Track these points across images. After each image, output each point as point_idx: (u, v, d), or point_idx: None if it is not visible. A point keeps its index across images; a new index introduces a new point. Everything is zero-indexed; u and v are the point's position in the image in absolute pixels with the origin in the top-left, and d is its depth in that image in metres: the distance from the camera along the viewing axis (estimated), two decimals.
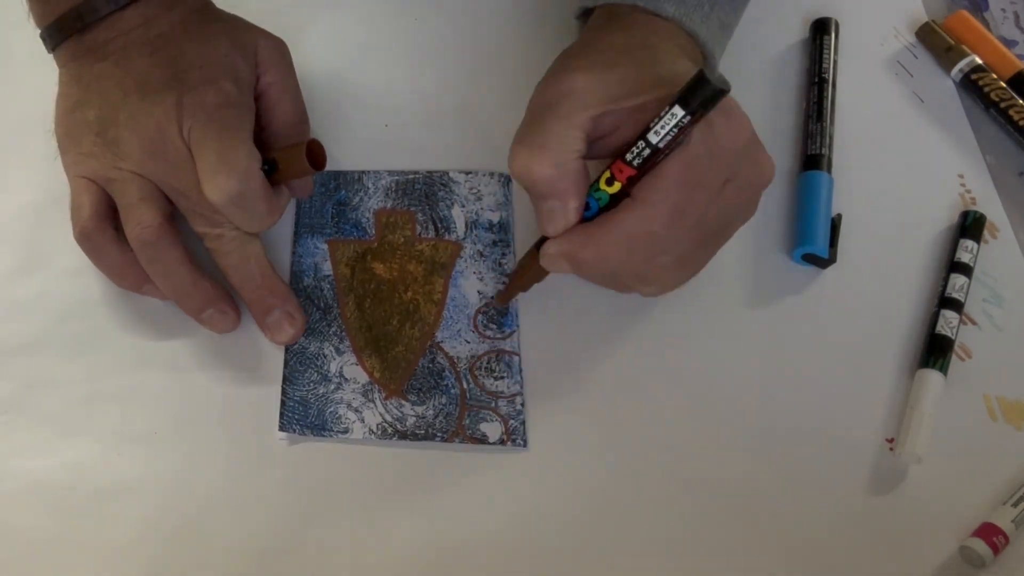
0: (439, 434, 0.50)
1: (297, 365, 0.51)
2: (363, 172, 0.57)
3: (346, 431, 0.49)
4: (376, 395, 0.51)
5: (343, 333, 0.52)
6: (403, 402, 0.50)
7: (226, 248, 0.51)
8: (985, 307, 0.55)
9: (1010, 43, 0.66)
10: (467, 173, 0.57)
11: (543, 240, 0.49)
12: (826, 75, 0.62)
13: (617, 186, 0.46)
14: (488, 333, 0.52)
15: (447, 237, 0.55)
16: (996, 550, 0.48)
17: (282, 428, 0.49)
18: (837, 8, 0.65)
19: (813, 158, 0.59)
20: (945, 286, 0.55)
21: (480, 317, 0.53)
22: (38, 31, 0.54)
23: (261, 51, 0.53)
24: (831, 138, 0.59)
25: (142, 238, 0.49)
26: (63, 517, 0.47)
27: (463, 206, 0.56)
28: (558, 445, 0.50)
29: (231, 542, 0.47)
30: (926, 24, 0.65)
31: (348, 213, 0.56)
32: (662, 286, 0.50)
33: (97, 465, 0.48)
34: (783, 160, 0.60)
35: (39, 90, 0.54)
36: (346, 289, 0.53)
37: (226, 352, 0.52)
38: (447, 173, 0.57)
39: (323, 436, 0.49)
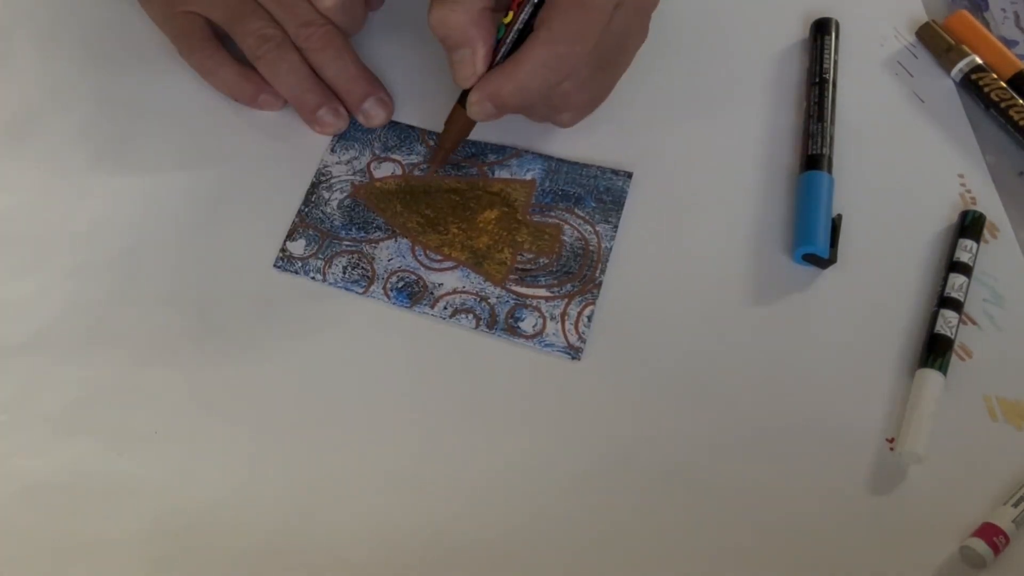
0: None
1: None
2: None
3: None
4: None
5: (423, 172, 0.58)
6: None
7: (320, 44, 0.57)
8: (985, 307, 0.55)
9: (1010, 43, 0.66)
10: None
11: (463, 96, 0.54)
12: (826, 75, 0.62)
13: (510, 15, 0.52)
14: (388, 287, 0.54)
15: (512, 277, 0.55)
16: (996, 550, 0.48)
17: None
18: (837, 8, 0.65)
19: (813, 158, 0.59)
20: (944, 286, 0.55)
21: (398, 276, 0.55)
22: None
23: None
24: (831, 138, 0.59)
25: (264, 41, 0.56)
26: (63, 517, 0.47)
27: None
28: (552, 446, 0.50)
29: (232, 542, 0.47)
30: (926, 24, 0.65)
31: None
32: (574, 112, 0.56)
33: (97, 465, 0.48)
34: (783, 160, 0.60)
35: (39, 89, 0.55)
36: (474, 184, 0.57)
37: (226, 351, 0.52)
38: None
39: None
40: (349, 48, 0.58)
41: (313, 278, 0.54)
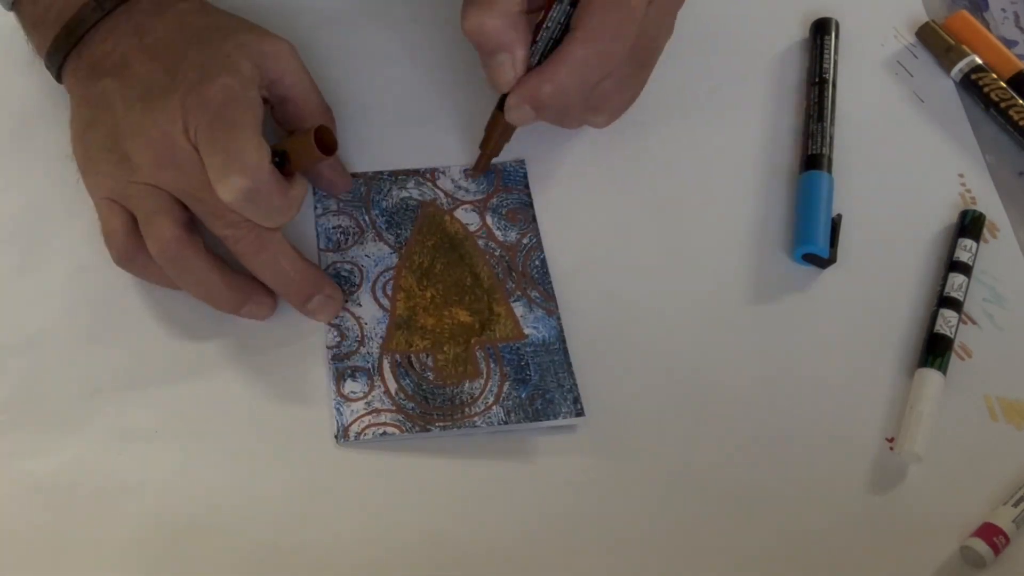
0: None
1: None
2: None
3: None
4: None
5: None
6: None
7: (249, 249, 0.50)
8: (985, 307, 0.55)
9: (1010, 43, 0.66)
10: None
11: (502, 101, 0.53)
12: (826, 75, 0.62)
13: (543, 16, 0.51)
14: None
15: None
16: (997, 550, 0.48)
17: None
18: (837, 8, 0.65)
19: (813, 158, 0.59)
20: (944, 285, 0.55)
21: None
22: (43, 63, 0.54)
23: (269, 54, 0.52)
24: (831, 138, 0.59)
25: (163, 254, 0.49)
26: (63, 517, 0.47)
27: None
28: (553, 447, 0.50)
29: (232, 542, 0.47)
30: (926, 24, 0.65)
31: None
32: (611, 112, 0.56)
33: (97, 465, 0.48)
34: (783, 160, 0.60)
35: (40, 89, 0.54)
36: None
37: (227, 350, 0.52)
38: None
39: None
40: (284, 249, 0.51)
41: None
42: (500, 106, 0.53)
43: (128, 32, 0.52)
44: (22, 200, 0.55)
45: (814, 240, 0.55)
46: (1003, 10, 0.67)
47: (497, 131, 0.55)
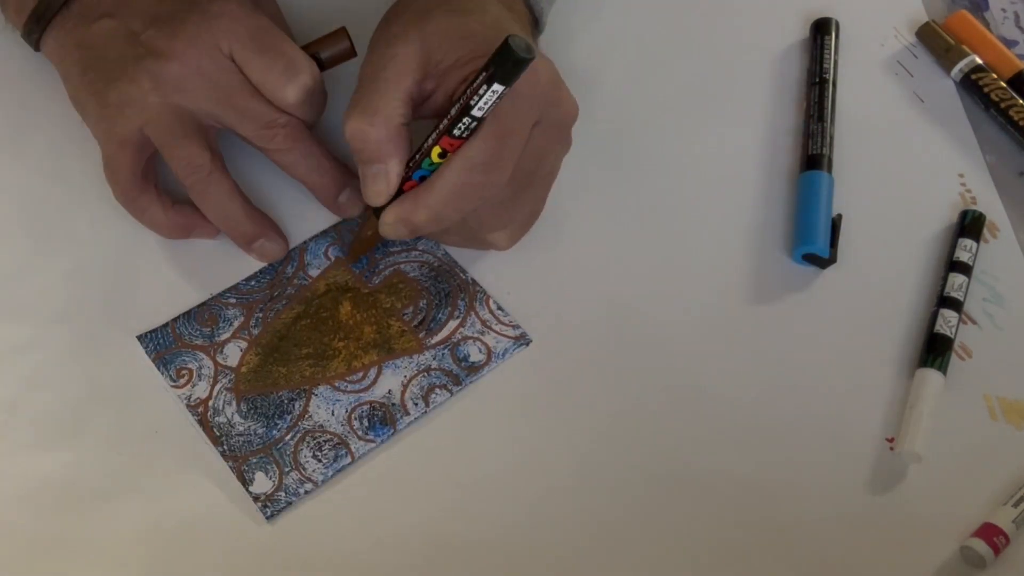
0: None
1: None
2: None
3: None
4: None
5: (257, 324, 0.52)
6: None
7: (286, 144, 0.53)
8: (985, 306, 0.55)
9: (1010, 43, 0.66)
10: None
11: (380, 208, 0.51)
12: (826, 75, 0.62)
13: (448, 157, 0.48)
14: (360, 434, 0.50)
15: (422, 334, 0.53)
16: (997, 550, 0.48)
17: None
18: (837, 8, 0.65)
19: (813, 158, 0.59)
20: (944, 285, 0.55)
21: (357, 418, 0.50)
22: (19, 32, 0.54)
23: None
24: (831, 138, 0.59)
25: (193, 176, 0.51)
26: (63, 517, 0.47)
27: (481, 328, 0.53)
28: (550, 451, 0.50)
29: (232, 542, 0.47)
30: (926, 24, 0.65)
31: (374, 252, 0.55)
32: (502, 233, 0.53)
33: (97, 465, 0.48)
34: (783, 160, 0.60)
35: (39, 90, 0.54)
36: (303, 299, 0.53)
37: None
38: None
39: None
40: (317, 143, 0.54)
41: (307, 492, 0.48)
42: (376, 211, 0.51)
43: None
44: (22, 200, 0.55)
45: (814, 240, 0.55)
46: (1003, 10, 0.67)
47: (369, 236, 0.53)
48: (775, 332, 0.54)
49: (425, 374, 0.51)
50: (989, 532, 0.48)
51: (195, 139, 0.52)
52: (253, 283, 0.54)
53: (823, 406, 0.52)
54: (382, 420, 0.50)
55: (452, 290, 0.54)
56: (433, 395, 0.51)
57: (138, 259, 0.54)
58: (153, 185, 0.53)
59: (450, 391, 0.51)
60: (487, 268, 0.55)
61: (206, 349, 0.51)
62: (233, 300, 0.53)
